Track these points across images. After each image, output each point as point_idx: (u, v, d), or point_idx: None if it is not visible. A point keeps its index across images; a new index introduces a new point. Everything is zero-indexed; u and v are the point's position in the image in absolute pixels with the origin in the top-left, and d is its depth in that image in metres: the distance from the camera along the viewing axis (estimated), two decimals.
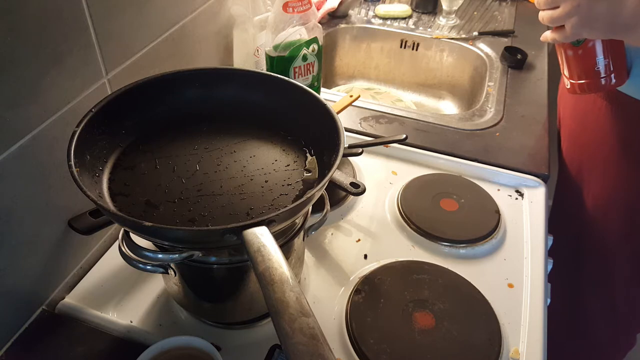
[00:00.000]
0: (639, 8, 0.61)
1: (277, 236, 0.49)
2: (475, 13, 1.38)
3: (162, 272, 0.54)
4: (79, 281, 0.67)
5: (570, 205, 0.97)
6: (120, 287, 0.67)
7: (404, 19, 1.34)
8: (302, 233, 0.58)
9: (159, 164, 0.55)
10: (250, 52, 0.96)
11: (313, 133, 0.58)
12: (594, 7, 0.63)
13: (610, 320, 1.00)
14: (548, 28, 0.72)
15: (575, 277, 1.00)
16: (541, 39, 0.74)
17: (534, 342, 0.62)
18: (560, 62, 0.78)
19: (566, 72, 0.77)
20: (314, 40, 0.85)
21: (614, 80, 0.74)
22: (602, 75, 0.73)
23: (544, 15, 0.70)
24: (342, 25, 1.31)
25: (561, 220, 1.00)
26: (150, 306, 0.64)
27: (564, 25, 0.68)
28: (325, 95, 1.04)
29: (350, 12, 1.35)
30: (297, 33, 0.83)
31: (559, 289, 0.93)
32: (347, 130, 0.93)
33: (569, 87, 0.78)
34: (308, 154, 0.58)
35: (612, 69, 0.73)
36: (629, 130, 0.80)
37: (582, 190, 0.92)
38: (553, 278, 0.87)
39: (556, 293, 0.88)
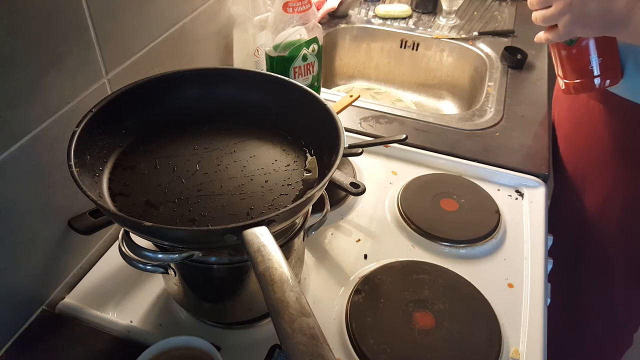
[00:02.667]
0: (631, 3, 0.61)
1: (277, 236, 0.49)
2: (475, 13, 1.38)
3: (162, 272, 0.54)
4: (79, 281, 0.67)
5: (569, 205, 0.97)
6: (120, 287, 0.67)
7: (404, 19, 1.34)
8: (302, 233, 0.58)
9: (159, 164, 0.55)
10: (250, 52, 0.96)
11: (313, 133, 0.58)
12: (586, 4, 0.63)
13: (608, 320, 1.00)
14: (543, 29, 0.72)
15: (575, 277, 1.00)
16: (535, 40, 0.75)
17: (534, 342, 0.62)
18: (554, 62, 0.78)
19: (560, 72, 0.77)
20: (314, 40, 0.85)
21: (608, 79, 0.74)
22: (596, 74, 0.73)
23: (537, 15, 0.70)
24: (342, 25, 1.31)
25: (561, 220, 1.00)
26: (150, 306, 0.64)
27: (557, 25, 0.68)
28: (325, 95, 1.04)
29: (350, 12, 1.35)
30: (297, 33, 0.83)
31: (559, 289, 0.93)
32: (347, 130, 0.93)
33: (563, 87, 0.78)
34: (308, 154, 0.58)
35: (606, 67, 0.73)
36: (622, 131, 0.80)
37: (580, 190, 0.92)
38: (553, 278, 0.87)
39: (556, 293, 0.88)
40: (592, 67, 0.73)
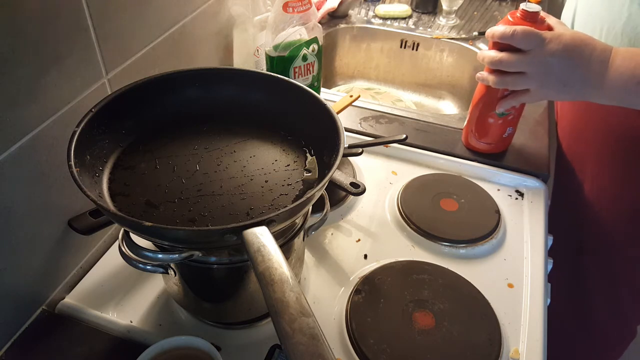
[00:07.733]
0: (602, 66, 0.65)
1: (277, 236, 0.49)
2: (475, 13, 1.38)
3: (162, 272, 0.54)
4: (79, 281, 0.67)
5: (569, 205, 0.97)
6: (120, 287, 0.67)
7: (404, 19, 1.34)
8: (302, 233, 0.58)
9: (159, 164, 0.55)
10: (250, 52, 0.96)
11: (313, 133, 0.58)
12: (566, 74, 0.68)
13: (613, 319, 1.00)
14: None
15: (575, 277, 1.00)
16: (500, 108, 0.79)
17: (534, 342, 0.62)
18: (471, 119, 0.86)
19: (474, 129, 0.86)
20: (314, 40, 0.85)
21: (505, 147, 0.88)
22: (504, 141, 0.87)
23: (506, 80, 0.72)
24: (342, 25, 1.31)
25: (561, 220, 1.00)
26: (150, 306, 0.64)
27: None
28: (325, 95, 1.04)
29: (350, 12, 1.35)
30: (297, 33, 0.83)
31: (562, 287, 0.93)
32: (347, 130, 0.93)
33: (465, 141, 0.89)
34: (308, 154, 0.58)
35: (510, 136, 0.86)
36: (627, 126, 0.80)
37: (581, 189, 0.92)
38: (553, 278, 0.87)
39: (558, 293, 0.88)
40: (505, 136, 0.86)
